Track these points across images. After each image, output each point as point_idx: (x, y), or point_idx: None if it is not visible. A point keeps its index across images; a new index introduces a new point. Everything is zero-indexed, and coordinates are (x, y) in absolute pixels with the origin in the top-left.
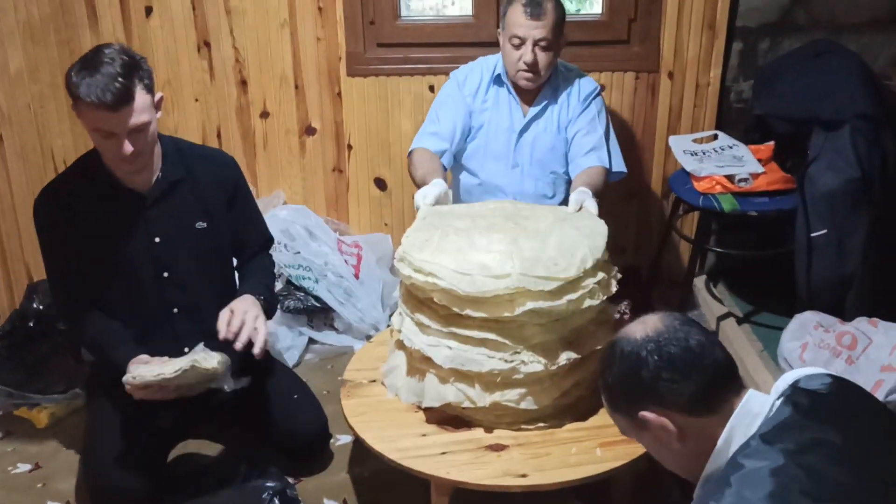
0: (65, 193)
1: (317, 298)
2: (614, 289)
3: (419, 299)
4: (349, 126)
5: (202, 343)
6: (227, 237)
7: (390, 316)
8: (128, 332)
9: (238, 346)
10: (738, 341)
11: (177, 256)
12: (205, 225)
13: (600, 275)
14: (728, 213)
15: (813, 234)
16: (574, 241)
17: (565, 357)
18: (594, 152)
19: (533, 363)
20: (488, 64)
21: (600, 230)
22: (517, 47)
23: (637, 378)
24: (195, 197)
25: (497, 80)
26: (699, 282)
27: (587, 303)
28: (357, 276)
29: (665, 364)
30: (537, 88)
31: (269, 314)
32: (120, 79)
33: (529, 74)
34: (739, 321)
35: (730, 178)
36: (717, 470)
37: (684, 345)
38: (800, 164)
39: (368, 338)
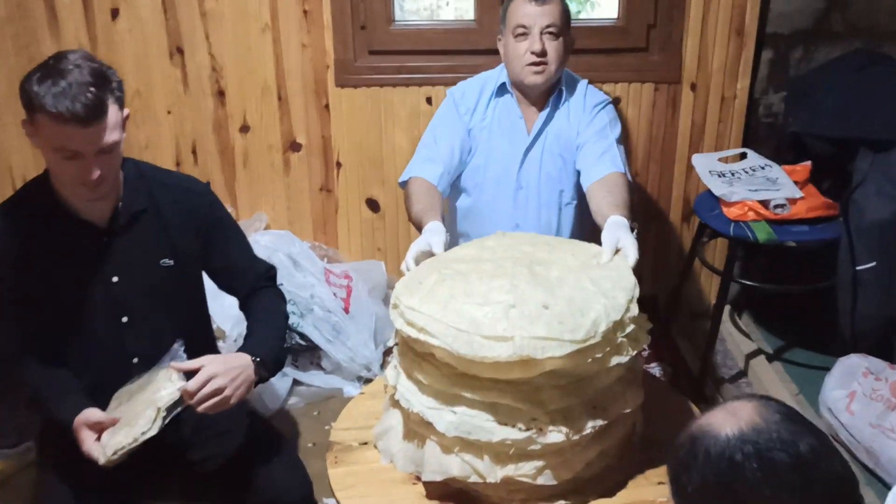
0: (9, 223)
1: (302, 335)
2: (647, 341)
3: (417, 353)
4: (338, 141)
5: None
6: (198, 277)
7: (385, 354)
8: (75, 382)
9: (199, 410)
10: (770, 383)
11: (138, 299)
12: (171, 262)
13: (630, 326)
14: (763, 243)
15: (859, 268)
16: (588, 296)
17: (590, 425)
18: (606, 157)
19: (552, 432)
20: (489, 78)
21: (625, 285)
22: (523, 39)
23: (728, 491)
24: (160, 230)
25: (500, 91)
26: (723, 313)
27: (614, 360)
28: (347, 311)
29: (768, 476)
30: (545, 96)
31: (272, 372)
32: (92, 89)
33: (539, 67)
34: (770, 358)
35: (764, 203)
36: None
37: (793, 450)
38: (840, 187)
39: (359, 378)
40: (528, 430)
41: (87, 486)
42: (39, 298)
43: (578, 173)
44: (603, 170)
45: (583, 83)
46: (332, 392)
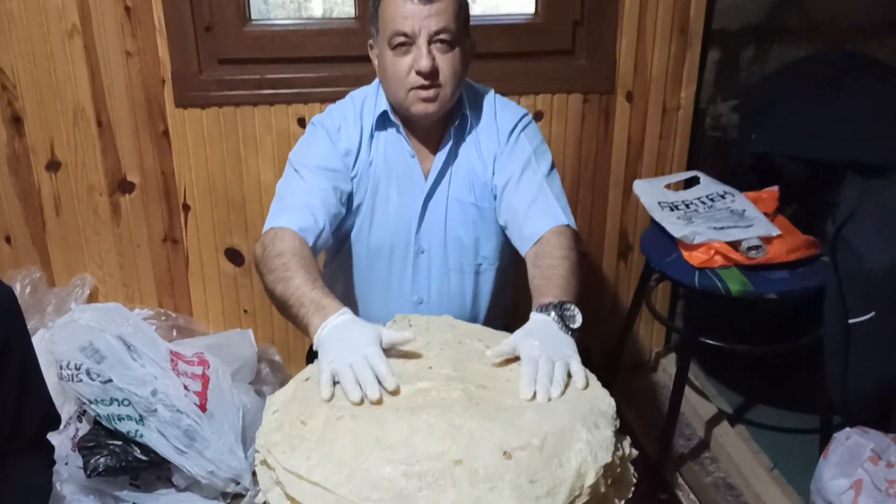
0: None
1: (143, 448)
2: (634, 482)
3: None
4: (183, 178)
5: None
6: None
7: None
8: None
9: None
10: (739, 457)
11: None
12: None
13: (616, 465)
14: (738, 296)
15: (853, 321)
16: (564, 429)
17: None
18: (536, 207)
19: None
20: (364, 102)
21: (604, 408)
22: (405, 52)
23: None
24: None
25: (382, 124)
26: (667, 363)
27: None
28: (203, 407)
29: None
30: (442, 126)
31: None
32: None
33: (430, 92)
34: (731, 420)
35: (733, 245)
36: None
37: None
38: (808, 214)
39: (225, 496)
40: None
41: None
42: None
43: (504, 229)
44: (536, 228)
45: (489, 97)
46: None
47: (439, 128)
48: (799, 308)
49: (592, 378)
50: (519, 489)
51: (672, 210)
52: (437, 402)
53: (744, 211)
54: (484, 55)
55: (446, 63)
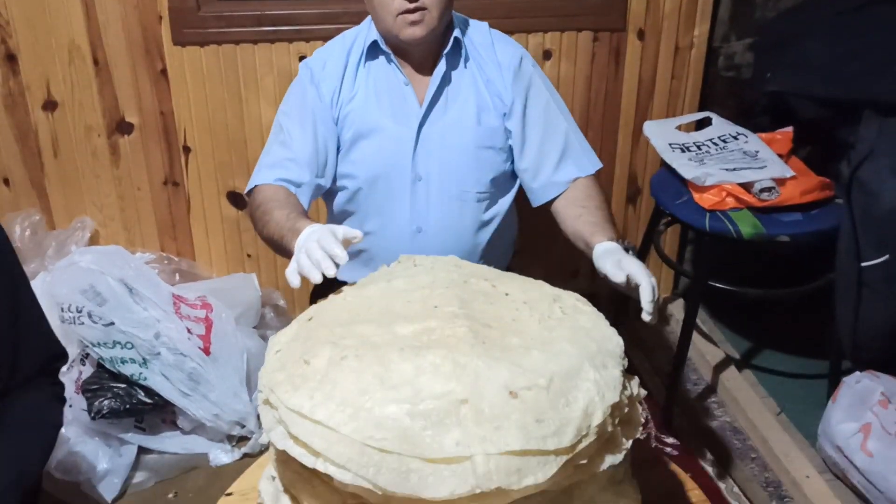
0: None
1: (147, 390)
2: (641, 422)
3: (304, 465)
4: (183, 119)
5: None
6: None
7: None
8: None
9: None
10: (747, 401)
11: None
12: None
13: (623, 404)
14: (749, 239)
15: (865, 264)
16: (572, 369)
17: None
18: (568, 160)
19: None
20: (355, 37)
21: (611, 347)
22: None
23: None
24: None
25: (372, 53)
26: (675, 309)
27: (606, 462)
28: (207, 351)
29: None
30: (433, 52)
31: None
32: None
33: (416, 15)
34: (738, 366)
35: (746, 186)
36: None
37: None
38: (825, 157)
39: (230, 438)
40: None
41: None
42: None
43: (507, 156)
44: (565, 178)
45: (484, 28)
46: (194, 459)
47: (432, 54)
48: (810, 252)
49: (601, 318)
50: (525, 428)
51: (683, 151)
52: (443, 340)
53: (757, 152)
54: None
55: None
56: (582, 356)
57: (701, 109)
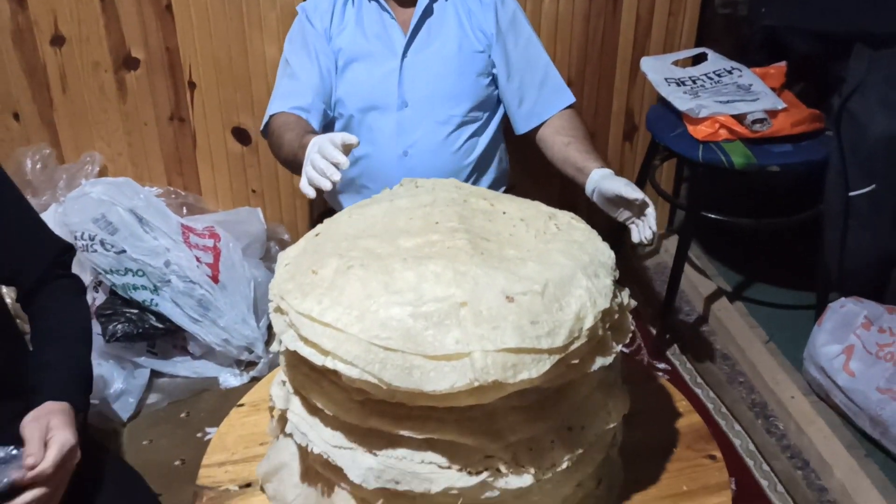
0: None
1: (158, 316)
2: (631, 329)
3: (314, 366)
4: (188, 55)
5: None
6: None
7: (269, 328)
8: None
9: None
10: (737, 330)
11: None
12: None
13: (614, 311)
14: (741, 169)
15: (853, 193)
16: (565, 277)
17: (567, 458)
18: (552, 88)
19: (515, 473)
20: None
21: (603, 259)
22: None
23: None
24: None
25: None
26: (669, 244)
27: (597, 363)
28: (215, 279)
29: None
30: None
31: (84, 404)
32: None
33: None
34: (731, 297)
35: (738, 118)
36: None
37: None
38: (818, 91)
39: (239, 363)
40: (480, 472)
41: None
42: None
43: (488, 81)
44: (550, 109)
45: None
46: (204, 383)
47: None
48: (800, 184)
49: (594, 233)
50: (521, 329)
51: (679, 85)
52: (444, 252)
53: (750, 86)
54: None
55: None
56: (575, 266)
57: (698, 46)
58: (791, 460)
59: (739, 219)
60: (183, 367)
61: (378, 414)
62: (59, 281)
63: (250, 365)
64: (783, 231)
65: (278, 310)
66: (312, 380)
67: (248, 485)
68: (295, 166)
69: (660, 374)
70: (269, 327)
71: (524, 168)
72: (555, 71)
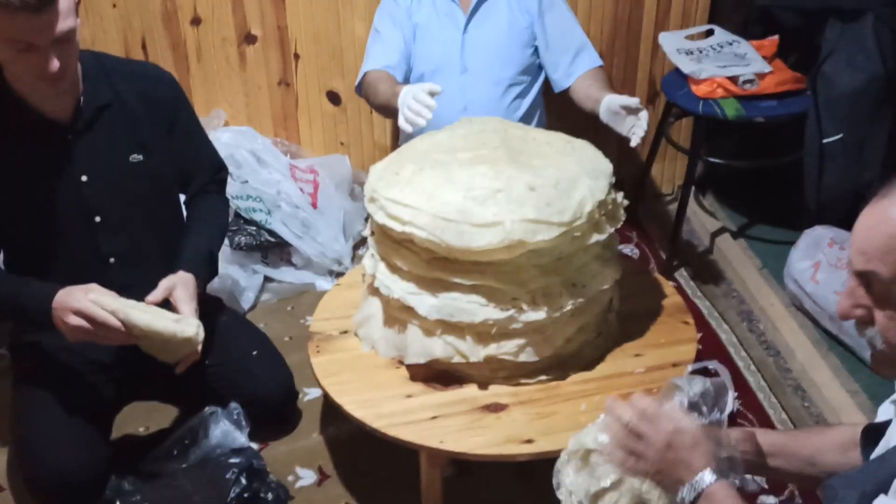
0: None
1: (271, 232)
2: (622, 218)
3: (395, 239)
4: (295, 32)
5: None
6: (170, 169)
7: (354, 248)
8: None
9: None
10: (736, 259)
11: (109, 197)
12: (140, 157)
13: (608, 203)
14: (732, 119)
15: (826, 140)
16: (573, 178)
17: (570, 302)
18: (584, 53)
19: (533, 310)
20: None
21: (604, 168)
22: None
23: None
24: (127, 124)
25: None
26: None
27: (594, 238)
28: (315, 206)
29: None
30: None
31: (206, 282)
32: None
33: None
34: (734, 236)
35: (733, 79)
36: None
37: None
38: (807, 60)
39: (331, 273)
40: (509, 309)
41: (70, 386)
42: (5, 202)
43: (532, 50)
44: (582, 68)
45: None
46: (305, 287)
47: None
48: (789, 135)
49: (599, 153)
50: (538, 208)
51: (688, 55)
52: (488, 158)
53: (745, 54)
54: None
55: None
56: (581, 171)
57: (710, 23)
58: (765, 350)
59: (733, 161)
60: (288, 274)
61: (439, 268)
62: (212, 195)
63: (339, 274)
64: (780, 177)
65: (372, 199)
66: (394, 248)
67: (346, 332)
68: (388, 110)
69: None
70: (355, 246)
71: (560, 126)
72: (587, 41)
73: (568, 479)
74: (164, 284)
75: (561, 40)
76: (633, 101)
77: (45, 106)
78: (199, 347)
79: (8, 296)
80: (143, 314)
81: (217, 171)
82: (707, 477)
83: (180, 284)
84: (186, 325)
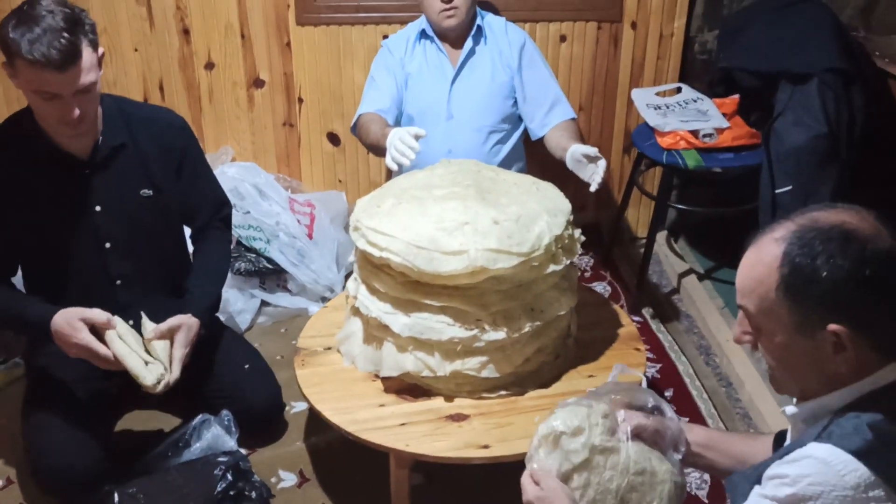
0: None
1: (269, 260)
2: (578, 252)
3: (375, 265)
4: (300, 78)
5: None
6: (176, 204)
7: (346, 277)
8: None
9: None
10: (699, 299)
11: (119, 226)
12: (150, 193)
13: (565, 238)
14: (692, 169)
15: (778, 191)
16: (533, 214)
17: (528, 325)
18: (558, 107)
19: (494, 331)
20: (415, 24)
21: (563, 207)
22: None
23: (868, 290)
24: (139, 163)
25: (422, 36)
26: (660, 238)
27: (550, 268)
28: (310, 236)
29: None
30: (462, 35)
31: (209, 324)
32: (65, 34)
33: (450, 11)
34: (700, 278)
35: (694, 133)
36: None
37: None
38: (765, 118)
39: (323, 299)
40: (473, 329)
41: (76, 392)
42: (26, 227)
43: (512, 103)
44: (555, 120)
45: (500, 20)
46: (298, 311)
47: (462, 37)
48: (744, 185)
49: (561, 195)
50: (500, 239)
51: (655, 109)
52: (460, 195)
53: (707, 111)
54: None
55: None
56: (542, 209)
57: (680, 82)
58: (718, 381)
59: (695, 207)
60: (283, 299)
61: (412, 290)
62: (217, 232)
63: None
64: (744, 224)
65: (355, 228)
66: (373, 272)
67: (329, 348)
68: (377, 150)
69: (635, 321)
70: (347, 275)
71: (542, 170)
72: (561, 96)
73: (539, 463)
74: (171, 323)
75: (537, 95)
76: (593, 151)
77: (67, 143)
78: (158, 392)
79: (13, 313)
80: (123, 346)
81: (220, 207)
82: None
83: (185, 328)
84: (150, 372)
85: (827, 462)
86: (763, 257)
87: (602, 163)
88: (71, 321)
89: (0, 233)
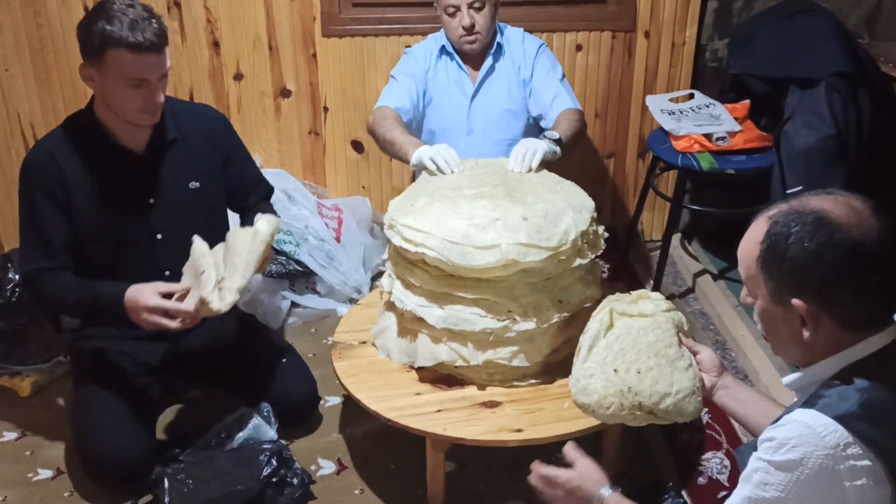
0: (58, 152)
1: (298, 262)
2: (602, 247)
3: (409, 260)
4: (325, 88)
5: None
6: (220, 196)
7: (372, 279)
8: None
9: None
10: (714, 297)
11: (171, 218)
12: (198, 185)
13: (590, 234)
14: (706, 171)
15: (789, 192)
16: (559, 211)
17: (556, 316)
18: (558, 100)
19: (525, 321)
20: (436, 38)
21: (587, 204)
22: (453, 15)
23: (828, 274)
24: (187, 156)
25: (443, 52)
26: (674, 239)
27: (577, 262)
28: (338, 240)
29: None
30: (482, 53)
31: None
32: (154, 19)
33: (471, 37)
34: (714, 277)
35: (707, 136)
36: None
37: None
38: (775, 122)
39: (351, 300)
40: (504, 320)
41: (121, 385)
42: (85, 219)
43: (528, 115)
44: (556, 111)
45: (518, 32)
46: (327, 312)
47: (481, 56)
48: (755, 187)
49: (584, 193)
50: (529, 234)
51: (670, 115)
52: (489, 194)
53: (720, 115)
54: (540, 2)
55: (480, 19)
56: (567, 206)
57: (692, 89)
58: (735, 374)
59: (711, 209)
60: (312, 301)
61: (446, 284)
62: (263, 203)
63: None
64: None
65: (390, 226)
66: (408, 268)
67: (364, 342)
68: (392, 151)
69: None
70: (373, 277)
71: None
72: (562, 90)
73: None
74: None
75: (541, 92)
76: (552, 135)
77: (125, 137)
78: (213, 311)
79: (85, 297)
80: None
81: (267, 188)
82: (605, 492)
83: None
84: (223, 296)
85: (809, 425)
86: (753, 231)
87: (533, 148)
88: (142, 289)
89: (65, 226)
